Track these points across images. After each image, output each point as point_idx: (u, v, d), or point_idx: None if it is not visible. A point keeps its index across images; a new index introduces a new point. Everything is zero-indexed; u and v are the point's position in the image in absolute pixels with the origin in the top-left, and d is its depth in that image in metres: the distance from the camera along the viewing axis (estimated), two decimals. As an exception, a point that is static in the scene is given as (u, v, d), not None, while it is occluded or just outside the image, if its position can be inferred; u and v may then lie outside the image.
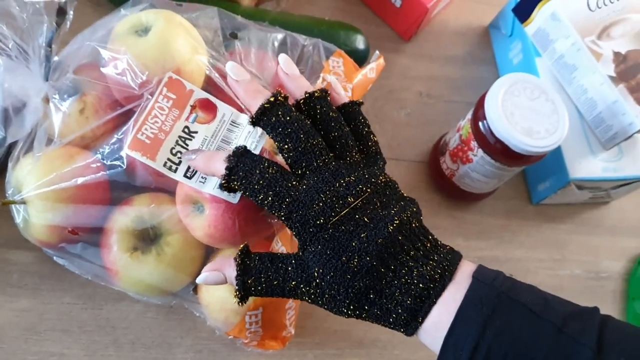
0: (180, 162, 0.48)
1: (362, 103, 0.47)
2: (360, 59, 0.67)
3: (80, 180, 0.48)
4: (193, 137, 0.48)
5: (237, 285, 0.40)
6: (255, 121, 0.43)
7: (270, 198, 0.40)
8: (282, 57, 0.46)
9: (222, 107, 0.50)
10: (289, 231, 0.51)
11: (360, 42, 0.68)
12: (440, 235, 0.42)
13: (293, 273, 0.39)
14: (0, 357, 0.51)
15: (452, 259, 0.39)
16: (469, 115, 0.62)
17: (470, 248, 0.67)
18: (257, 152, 0.46)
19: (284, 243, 0.52)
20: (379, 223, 0.39)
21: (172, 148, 0.48)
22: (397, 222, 0.39)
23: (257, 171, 0.40)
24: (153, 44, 0.49)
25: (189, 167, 0.47)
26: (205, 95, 0.50)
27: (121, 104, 0.51)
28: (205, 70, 0.52)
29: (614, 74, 0.64)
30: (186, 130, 0.49)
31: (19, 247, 0.54)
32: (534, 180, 0.72)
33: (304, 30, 0.63)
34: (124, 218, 0.50)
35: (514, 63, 0.76)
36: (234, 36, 0.56)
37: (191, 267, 0.51)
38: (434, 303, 0.37)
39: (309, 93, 0.44)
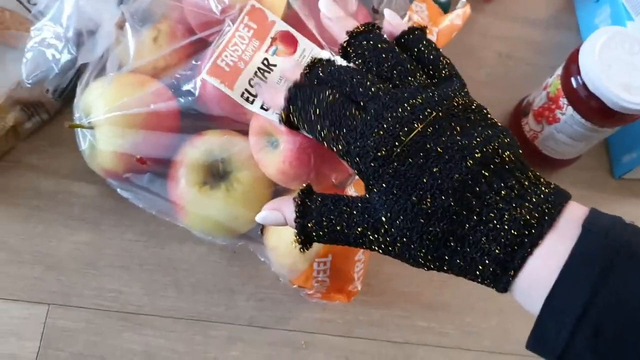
0: (257, 93, 0.45)
1: (425, 27, 0.39)
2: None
3: (152, 106, 0.46)
4: (272, 70, 0.46)
5: (296, 228, 0.35)
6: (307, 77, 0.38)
7: (326, 129, 0.35)
8: (322, 2, 0.40)
9: (303, 42, 0.47)
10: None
11: (441, -7, 0.64)
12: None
13: (359, 218, 0.34)
14: (58, 289, 0.49)
15: (555, 200, 0.32)
16: (559, 72, 0.57)
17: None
18: None
19: (358, 190, 0.48)
20: (455, 155, 0.32)
21: (251, 79, 0.45)
22: (479, 154, 0.32)
23: (316, 100, 0.35)
24: (235, -32, 0.47)
25: (266, 98, 0.45)
26: (287, 27, 0.47)
27: (196, 33, 0.49)
28: (286, 1, 0.49)
29: None
30: (265, 62, 0.46)
31: (81, 179, 0.52)
32: (618, 151, 0.67)
33: (383, -23, 0.60)
34: (194, 150, 0.47)
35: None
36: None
37: (259, 205, 0.47)
38: (530, 254, 0.31)
39: (350, 32, 0.38)
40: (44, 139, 0.53)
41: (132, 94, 0.46)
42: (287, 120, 0.37)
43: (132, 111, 0.45)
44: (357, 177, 0.47)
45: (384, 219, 0.33)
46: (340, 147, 0.34)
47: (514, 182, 0.32)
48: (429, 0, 0.57)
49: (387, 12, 0.40)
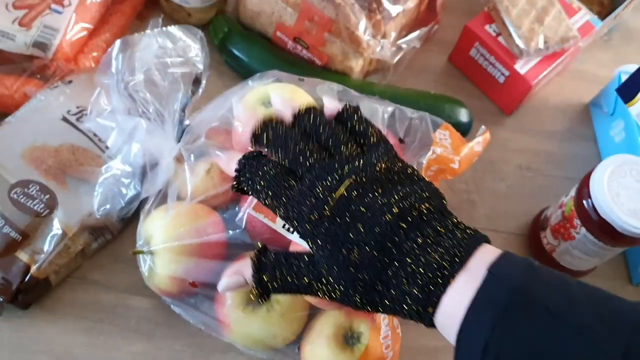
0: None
1: (356, 106, 0.45)
2: (464, 131, 0.70)
3: (205, 237, 0.52)
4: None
5: (253, 282, 0.40)
6: (254, 141, 0.43)
7: (270, 198, 0.40)
8: (275, 96, 0.47)
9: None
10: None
11: (464, 115, 0.70)
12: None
13: (305, 270, 0.39)
14: (115, 396, 0.55)
15: (468, 244, 0.37)
16: (573, 193, 0.62)
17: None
18: None
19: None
20: (376, 212, 0.37)
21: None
22: (396, 210, 0.37)
23: (260, 172, 0.41)
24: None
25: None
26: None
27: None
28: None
29: None
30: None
31: (138, 293, 0.58)
32: (636, 260, 0.71)
33: (410, 103, 0.66)
34: (239, 274, 0.53)
35: (616, 141, 0.76)
36: (350, 106, 0.59)
37: (296, 325, 0.54)
38: (443, 292, 0.35)
39: (295, 113, 0.44)
40: (107, 257, 0.59)
41: (188, 225, 0.52)
42: (238, 188, 0.43)
43: (188, 241, 0.52)
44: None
45: (324, 271, 0.39)
46: (282, 213, 0.40)
47: (429, 230, 0.37)
48: (451, 128, 0.63)
49: (326, 99, 0.46)
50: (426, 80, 0.78)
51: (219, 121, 0.57)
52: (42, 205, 0.53)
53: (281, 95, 0.47)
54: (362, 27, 0.64)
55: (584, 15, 0.77)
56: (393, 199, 0.38)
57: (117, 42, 0.53)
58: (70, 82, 0.59)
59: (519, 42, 0.71)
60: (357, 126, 0.44)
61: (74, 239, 0.54)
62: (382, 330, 0.53)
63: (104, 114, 0.54)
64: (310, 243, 0.39)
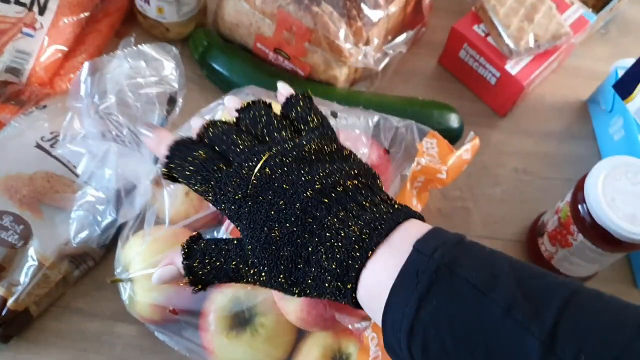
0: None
1: (303, 93, 0.45)
2: (455, 137, 0.68)
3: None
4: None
5: (184, 269, 0.40)
6: (200, 136, 0.43)
7: (199, 183, 0.40)
8: (227, 99, 0.47)
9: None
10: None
11: (454, 121, 0.68)
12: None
13: (233, 253, 0.39)
14: None
15: (392, 218, 0.35)
16: (568, 198, 0.60)
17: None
18: None
19: (375, 330, 0.51)
20: (298, 188, 0.37)
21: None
22: (319, 185, 0.37)
23: (190, 158, 0.40)
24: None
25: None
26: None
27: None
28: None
29: None
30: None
31: (123, 320, 0.57)
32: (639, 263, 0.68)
33: (397, 110, 0.64)
34: (222, 298, 0.51)
35: (615, 139, 0.73)
36: (334, 115, 0.58)
37: (282, 350, 0.52)
38: (362, 267, 0.34)
39: (238, 108, 0.44)
40: (90, 284, 0.58)
41: (166, 250, 0.51)
42: (168, 175, 0.42)
43: (165, 267, 0.50)
44: (373, 321, 0.51)
45: (249, 252, 0.38)
46: (211, 197, 0.40)
47: (353, 205, 0.37)
48: (439, 136, 0.60)
49: (280, 84, 0.47)
50: (416, 85, 0.75)
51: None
52: (16, 237, 0.51)
53: (231, 101, 0.46)
54: (343, 35, 0.62)
55: (577, 9, 0.75)
56: (317, 176, 0.38)
57: (85, 65, 0.52)
58: (44, 107, 0.58)
59: (509, 42, 0.69)
60: (299, 114, 0.44)
61: (52, 269, 0.53)
62: (371, 350, 0.51)
63: (76, 139, 0.52)
64: (237, 224, 0.39)
